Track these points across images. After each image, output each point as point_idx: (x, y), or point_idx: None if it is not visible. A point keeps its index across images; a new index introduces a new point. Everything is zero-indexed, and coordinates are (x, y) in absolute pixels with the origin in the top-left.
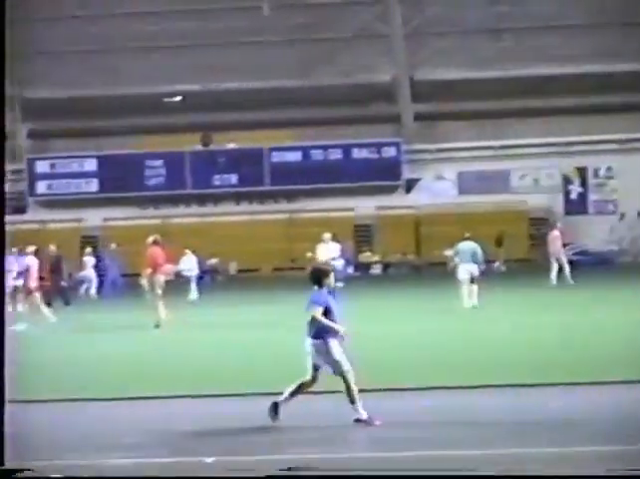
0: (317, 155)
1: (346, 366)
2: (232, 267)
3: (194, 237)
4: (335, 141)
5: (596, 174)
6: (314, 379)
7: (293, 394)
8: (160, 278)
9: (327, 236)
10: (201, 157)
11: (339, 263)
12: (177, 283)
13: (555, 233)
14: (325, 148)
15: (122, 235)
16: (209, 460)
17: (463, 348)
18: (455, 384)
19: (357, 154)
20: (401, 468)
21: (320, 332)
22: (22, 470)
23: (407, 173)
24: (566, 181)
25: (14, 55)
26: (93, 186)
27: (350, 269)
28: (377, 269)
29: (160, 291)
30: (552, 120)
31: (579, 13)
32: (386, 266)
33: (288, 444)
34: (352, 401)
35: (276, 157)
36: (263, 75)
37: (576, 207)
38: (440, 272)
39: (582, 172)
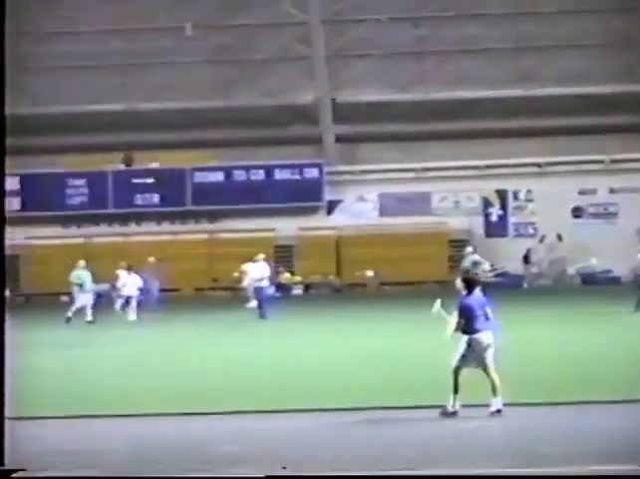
0: (239, 175)
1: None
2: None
3: (116, 256)
4: (257, 162)
5: (516, 196)
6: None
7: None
8: None
9: (261, 256)
10: (124, 176)
11: (265, 284)
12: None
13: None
14: (247, 169)
15: (44, 253)
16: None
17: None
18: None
19: (279, 175)
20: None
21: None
22: (19, 470)
23: (328, 194)
24: (486, 203)
25: None
26: (15, 204)
27: (271, 290)
28: (298, 290)
29: None
30: (473, 143)
31: (499, 37)
32: (307, 287)
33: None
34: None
35: (198, 177)
36: (186, 95)
37: (496, 229)
38: (360, 293)
39: (502, 194)
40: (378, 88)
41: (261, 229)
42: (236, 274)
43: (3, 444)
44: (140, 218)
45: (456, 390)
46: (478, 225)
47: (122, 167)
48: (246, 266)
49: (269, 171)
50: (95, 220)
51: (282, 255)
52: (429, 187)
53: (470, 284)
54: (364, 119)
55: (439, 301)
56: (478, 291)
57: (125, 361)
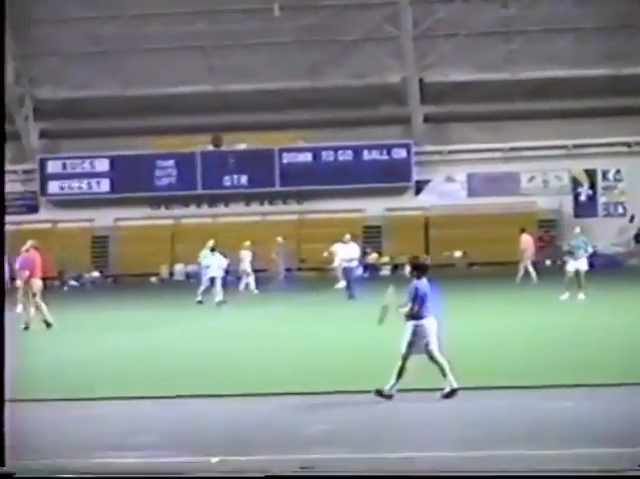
0: (327, 156)
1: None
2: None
3: (205, 236)
4: (345, 142)
5: (605, 176)
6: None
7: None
8: (37, 283)
9: (347, 236)
10: (212, 157)
11: (354, 264)
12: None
13: (526, 237)
14: (335, 149)
15: (133, 235)
16: (214, 460)
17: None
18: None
19: (367, 155)
20: (402, 469)
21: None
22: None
23: (416, 174)
24: (575, 183)
25: (27, 55)
26: (104, 186)
27: (360, 270)
28: (386, 271)
29: (38, 295)
30: (561, 122)
31: (588, 16)
32: (395, 268)
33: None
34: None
35: (287, 158)
36: (274, 76)
37: (586, 209)
38: (448, 274)
39: (591, 174)
40: (465, 68)
41: (350, 209)
42: (326, 255)
43: (3, 430)
44: (228, 199)
45: (399, 376)
46: (567, 204)
47: (210, 148)
48: (336, 247)
49: (357, 151)
50: (183, 201)
51: (370, 236)
52: (517, 166)
53: (421, 270)
54: (452, 99)
55: (391, 287)
56: (424, 278)
57: (211, 342)
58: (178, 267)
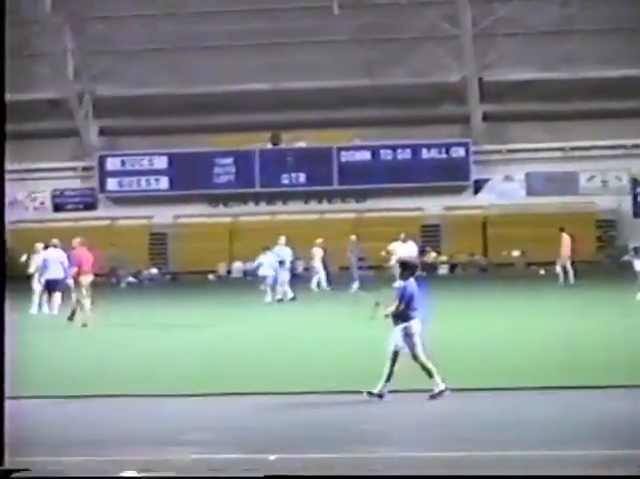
0: (386, 155)
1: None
2: (300, 266)
3: (263, 234)
4: (404, 141)
5: None
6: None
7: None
8: (86, 279)
9: (402, 235)
10: (271, 155)
11: None
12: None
13: (566, 236)
14: (394, 148)
15: (191, 232)
16: (272, 458)
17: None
18: (514, 385)
19: (426, 154)
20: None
21: (408, 317)
22: (20, 470)
23: (475, 173)
24: (634, 183)
25: (86, 53)
26: (163, 183)
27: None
28: (444, 270)
29: (85, 292)
30: (621, 122)
31: None
32: (453, 267)
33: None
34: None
35: (345, 156)
36: (333, 74)
37: None
38: (507, 273)
39: None
40: (525, 67)
41: (408, 208)
42: (383, 254)
43: (3, 428)
44: (286, 197)
45: (388, 377)
46: (625, 205)
47: (269, 146)
48: (394, 246)
49: (416, 150)
50: (242, 198)
51: (429, 235)
52: (576, 166)
53: (410, 270)
54: (511, 98)
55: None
56: (412, 279)
57: (265, 340)
58: (236, 265)
